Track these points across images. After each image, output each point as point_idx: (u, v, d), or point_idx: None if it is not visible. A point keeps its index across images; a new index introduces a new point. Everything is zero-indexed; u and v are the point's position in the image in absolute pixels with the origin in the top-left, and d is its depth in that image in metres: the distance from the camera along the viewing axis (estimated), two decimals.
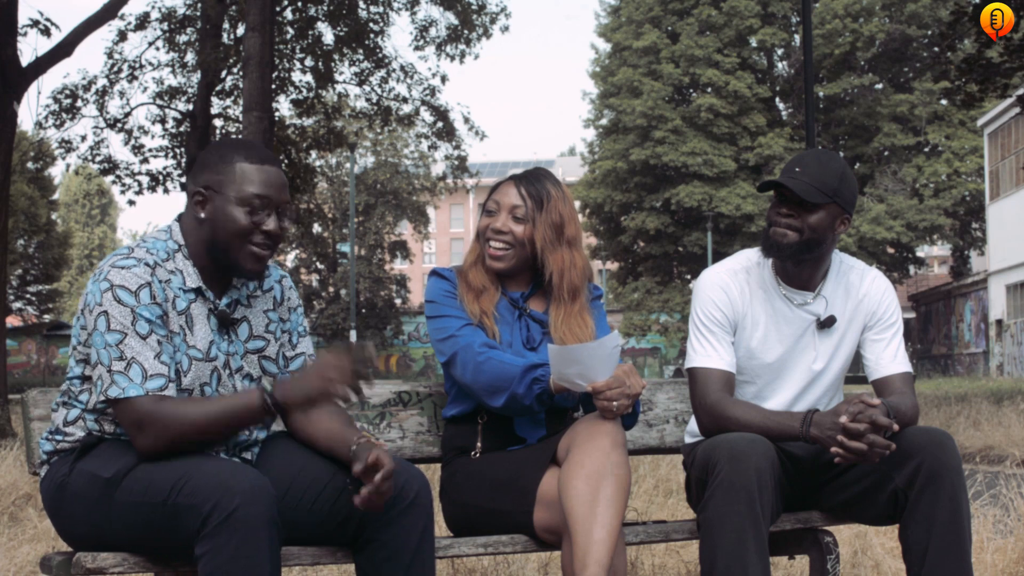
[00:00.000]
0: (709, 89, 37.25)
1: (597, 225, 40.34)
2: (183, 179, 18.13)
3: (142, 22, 18.20)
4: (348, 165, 40.08)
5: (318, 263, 43.37)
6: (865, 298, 3.11)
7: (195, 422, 2.38)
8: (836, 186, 2.92)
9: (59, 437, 2.52)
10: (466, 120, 21.07)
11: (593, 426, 2.76)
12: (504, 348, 2.97)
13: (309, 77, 18.86)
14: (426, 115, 20.39)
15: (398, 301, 46.31)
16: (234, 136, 17.37)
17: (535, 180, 3.06)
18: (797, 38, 37.51)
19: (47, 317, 42.92)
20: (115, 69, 18.31)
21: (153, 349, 2.41)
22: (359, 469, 2.38)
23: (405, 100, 19.69)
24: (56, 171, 64.01)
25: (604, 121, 39.49)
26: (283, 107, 19.51)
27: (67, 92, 18.05)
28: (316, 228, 41.31)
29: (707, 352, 3.02)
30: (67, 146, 18.34)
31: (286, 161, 18.53)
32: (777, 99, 39.35)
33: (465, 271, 3.08)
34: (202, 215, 2.52)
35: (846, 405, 2.79)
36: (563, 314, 3.04)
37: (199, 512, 2.24)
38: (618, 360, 2.79)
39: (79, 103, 18.11)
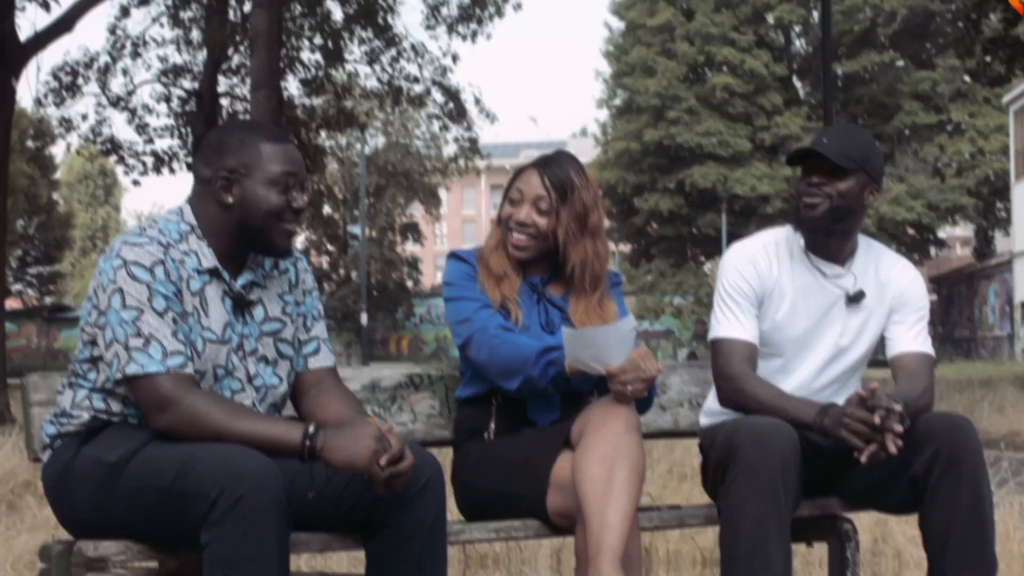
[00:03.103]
0: (724, 68, 37.31)
1: (610, 207, 40.71)
2: (190, 159, 17.90)
3: None
4: (359, 146, 39.91)
5: (328, 245, 43.54)
6: (894, 284, 3.12)
7: (221, 430, 2.34)
8: (865, 154, 2.98)
9: (64, 420, 2.50)
10: (477, 102, 21.10)
11: (607, 410, 2.76)
12: (522, 331, 2.97)
13: (318, 56, 18.75)
14: (437, 95, 20.39)
15: (409, 283, 46.43)
16: (242, 117, 17.22)
17: (559, 168, 3.04)
18: (815, 14, 37.18)
19: (48, 299, 42.82)
20: (118, 46, 18.02)
21: (170, 327, 2.41)
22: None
23: (416, 80, 19.61)
24: (58, 150, 63.81)
25: (617, 101, 39.74)
26: (291, 86, 19.33)
27: (67, 69, 17.74)
28: (326, 209, 41.36)
29: (730, 323, 3.04)
30: (67, 125, 18.17)
31: (295, 141, 18.25)
32: (794, 77, 39.36)
33: (486, 256, 3.08)
34: (229, 200, 2.52)
35: (848, 401, 2.79)
36: (583, 304, 3.06)
37: (205, 498, 2.22)
38: (633, 344, 2.80)
39: (80, 80, 17.84)
